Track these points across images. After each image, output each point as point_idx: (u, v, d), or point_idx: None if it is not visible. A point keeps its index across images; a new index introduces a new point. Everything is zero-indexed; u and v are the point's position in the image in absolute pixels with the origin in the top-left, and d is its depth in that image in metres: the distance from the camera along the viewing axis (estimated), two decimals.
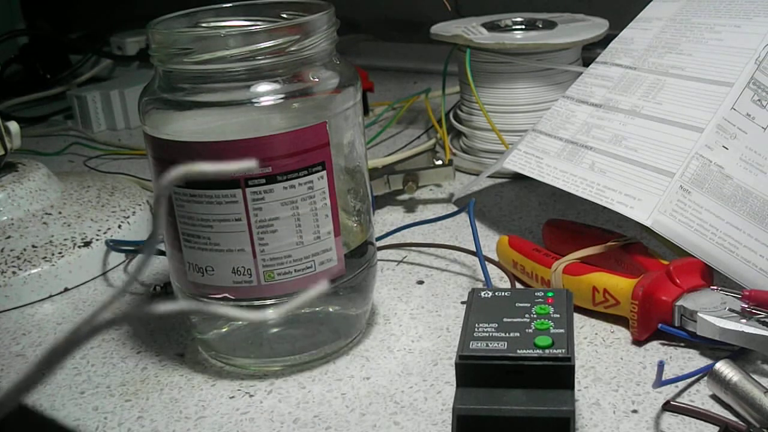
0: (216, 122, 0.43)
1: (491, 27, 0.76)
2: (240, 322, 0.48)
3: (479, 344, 0.37)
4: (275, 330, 0.48)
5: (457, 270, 0.57)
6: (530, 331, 0.38)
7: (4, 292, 0.57)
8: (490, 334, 0.38)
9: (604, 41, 0.68)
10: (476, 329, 0.38)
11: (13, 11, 1.39)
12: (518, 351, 0.36)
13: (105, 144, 0.93)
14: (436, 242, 0.61)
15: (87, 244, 0.61)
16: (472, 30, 0.74)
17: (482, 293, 0.41)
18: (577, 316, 0.48)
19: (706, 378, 0.41)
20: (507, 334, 0.38)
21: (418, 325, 0.51)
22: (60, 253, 0.60)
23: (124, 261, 0.63)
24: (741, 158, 0.50)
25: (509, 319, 0.39)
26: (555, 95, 0.70)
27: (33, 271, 0.58)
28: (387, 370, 0.46)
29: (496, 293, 0.41)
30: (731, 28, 0.57)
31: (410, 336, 0.49)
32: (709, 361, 0.44)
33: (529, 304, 0.40)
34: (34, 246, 0.60)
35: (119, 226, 0.64)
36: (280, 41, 0.42)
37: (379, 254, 0.56)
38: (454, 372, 0.38)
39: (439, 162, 0.71)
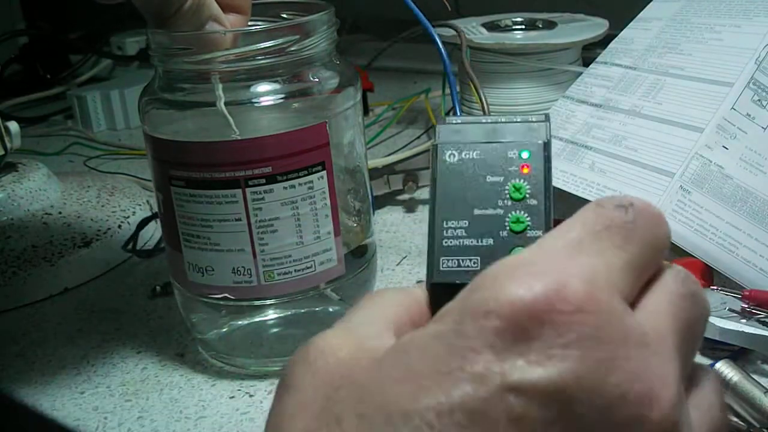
0: (216, 122, 0.43)
1: (491, 27, 0.76)
2: (240, 322, 0.48)
3: (450, 263, 0.31)
4: (275, 330, 0.48)
5: None
6: (505, 235, 0.31)
7: (4, 292, 0.57)
8: (461, 242, 0.32)
9: (604, 41, 0.68)
10: (445, 231, 0.32)
11: (13, 11, 1.39)
12: None
13: (105, 144, 0.93)
14: None
15: (87, 244, 0.61)
16: (472, 30, 0.74)
17: (447, 155, 0.32)
18: None
19: None
20: (479, 242, 0.31)
21: None
22: (60, 253, 0.60)
23: (124, 261, 0.63)
24: (741, 158, 0.50)
25: (481, 211, 0.32)
26: (555, 95, 0.69)
27: (33, 271, 0.58)
28: None
29: (465, 153, 0.32)
30: (731, 28, 0.57)
31: None
32: (709, 361, 0.44)
33: (502, 178, 0.32)
34: (34, 246, 0.60)
35: (119, 226, 0.64)
36: (280, 41, 0.42)
37: (379, 254, 0.56)
38: None
39: None
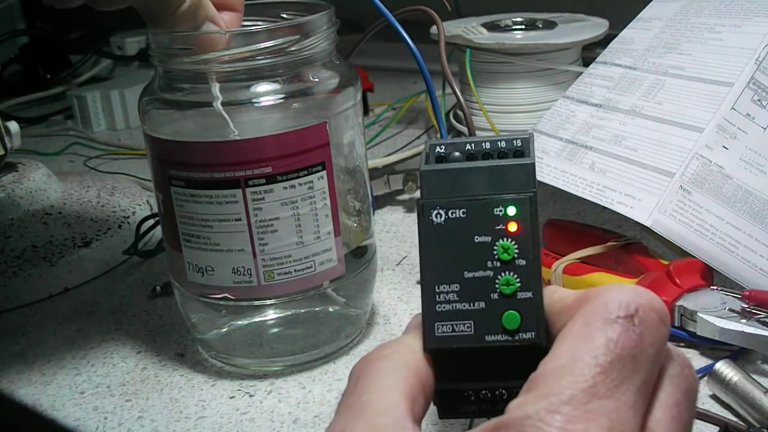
0: (216, 122, 0.43)
1: (491, 27, 0.76)
2: (240, 322, 0.48)
3: (445, 327, 0.31)
4: (275, 330, 0.48)
5: None
6: (496, 298, 0.31)
7: (4, 292, 0.57)
8: (454, 306, 0.32)
9: (604, 41, 0.68)
10: (438, 296, 0.32)
11: (13, 11, 1.39)
12: (486, 337, 0.31)
13: (105, 144, 0.93)
14: None
15: (87, 244, 0.61)
16: (472, 30, 0.74)
17: (434, 215, 0.32)
18: None
19: (706, 378, 0.41)
20: (472, 306, 0.32)
21: None
22: (60, 253, 0.60)
23: (124, 261, 0.63)
24: (741, 158, 0.50)
25: (471, 274, 0.32)
26: (555, 95, 0.70)
27: (33, 271, 0.58)
28: None
29: (451, 212, 0.32)
30: (731, 28, 0.57)
31: None
32: (709, 361, 0.44)
33: (490, 238, 0.32)
34: (34, 246, 0.60)
35: (119, 226, 0.64)
36: (280, 41, 0.42)
37: (379, 254, 0.56)
38: None
39: None
